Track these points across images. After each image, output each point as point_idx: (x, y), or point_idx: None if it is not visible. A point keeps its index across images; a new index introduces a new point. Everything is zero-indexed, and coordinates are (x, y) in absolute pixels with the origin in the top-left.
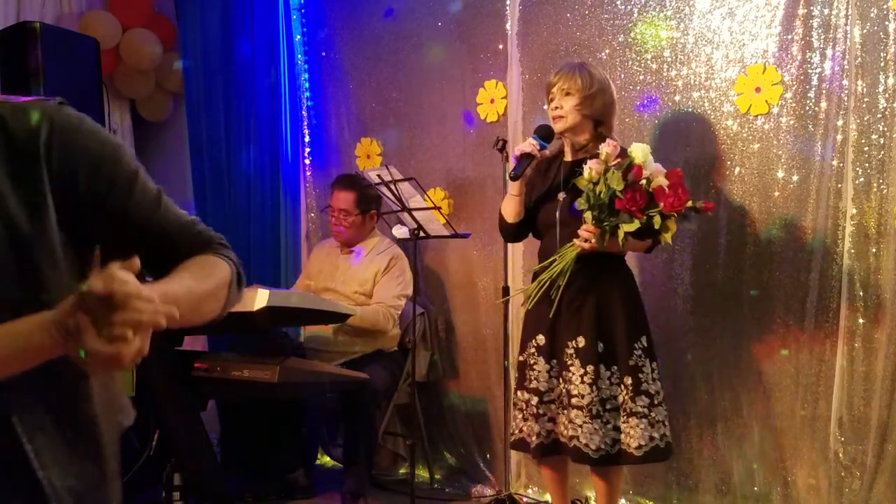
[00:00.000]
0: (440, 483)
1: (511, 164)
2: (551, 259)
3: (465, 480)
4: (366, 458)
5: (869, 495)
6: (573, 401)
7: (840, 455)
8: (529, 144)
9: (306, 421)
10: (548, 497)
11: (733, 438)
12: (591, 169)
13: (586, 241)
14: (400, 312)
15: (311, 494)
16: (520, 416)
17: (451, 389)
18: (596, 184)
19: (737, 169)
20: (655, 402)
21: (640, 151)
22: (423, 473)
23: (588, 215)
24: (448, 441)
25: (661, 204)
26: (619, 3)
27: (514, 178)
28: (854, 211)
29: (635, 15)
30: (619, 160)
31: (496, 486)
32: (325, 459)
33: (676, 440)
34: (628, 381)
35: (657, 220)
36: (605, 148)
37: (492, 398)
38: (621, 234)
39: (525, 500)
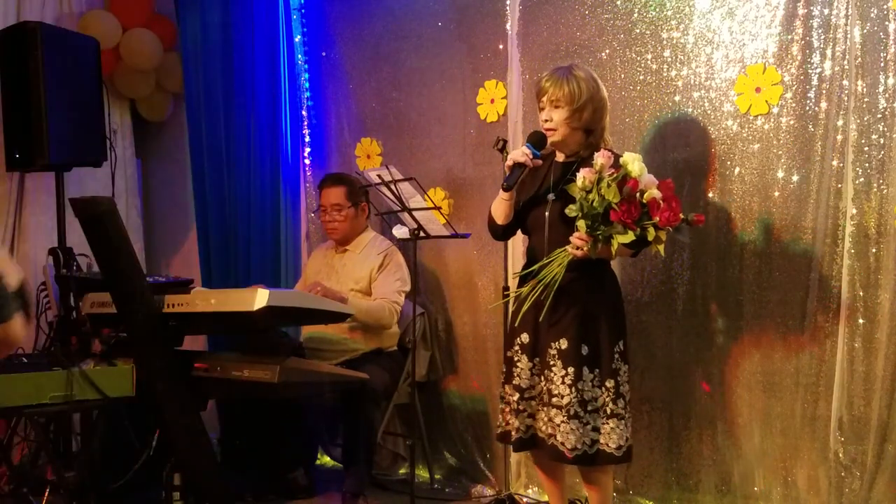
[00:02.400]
0: (440, 483)
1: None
2: (540, 264)
3: (465, 480)
4: (366, 457)
5: (869, 495)
6: (553, 400)
7: (840, 455)
8: (522, 154)
9: (306, 421)
10: (548, 497)
11: (733, 438)
12: (584, 178)
13: (578, 248)
14: (401, 307)
15: (311, 494)
16: (507, 409)
17: (450, 389)
18: (589, 192)
19: (737, 169)
20: (626, 402)
21: (635, 164)
22: (423, 473)
23: (581, 224)
24: (448, 441)
25: (657, 218)
26: (619, 3)
27: (507, 189)
28: (854, 211)
29: (635, 15)
30: (612, 170)
31: (496, 486)
32: (325, 459)
33: (676, 440)
34: (609, 383)
35: (651, 233)
36: (600, 158)
37: (491, 398)
38: (615, 245)
39: (525, 500)
